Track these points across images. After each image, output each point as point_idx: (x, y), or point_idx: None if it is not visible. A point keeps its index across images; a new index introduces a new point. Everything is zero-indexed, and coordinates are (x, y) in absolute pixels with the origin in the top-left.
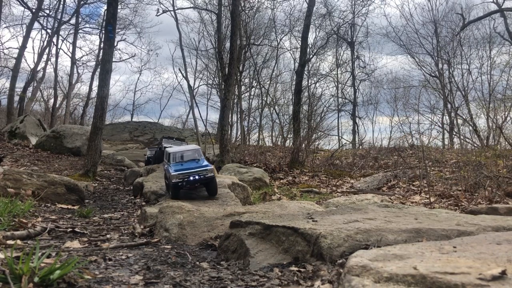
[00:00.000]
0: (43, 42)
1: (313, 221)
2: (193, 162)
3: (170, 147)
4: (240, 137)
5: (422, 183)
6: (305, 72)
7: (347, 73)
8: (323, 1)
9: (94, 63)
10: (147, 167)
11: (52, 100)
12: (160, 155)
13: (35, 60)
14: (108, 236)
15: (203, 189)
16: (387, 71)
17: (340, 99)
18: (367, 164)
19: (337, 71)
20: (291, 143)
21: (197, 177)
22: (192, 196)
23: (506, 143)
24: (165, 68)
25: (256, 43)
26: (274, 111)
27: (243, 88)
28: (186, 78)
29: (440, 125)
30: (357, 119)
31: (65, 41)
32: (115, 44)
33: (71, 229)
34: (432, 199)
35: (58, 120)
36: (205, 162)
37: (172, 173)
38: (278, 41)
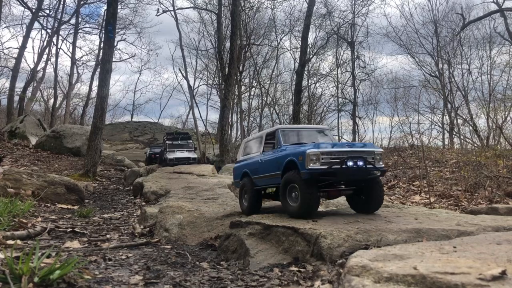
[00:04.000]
0: (43, 42)
1: (313, 221)
2: None
3: (172, 146)
4: (240, 137)
5: (422, 183)
6: (305, 72)
7: (347, 73)
8: (323, 1)
9: (94, 63)
10: (147, 167)
11: (52, 100)
12: (160, 156)
13: (35, 60)
14: (108, 236)
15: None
16: (387, 71)
17: (340, 99)
18: None
19: (337, 71)
20: None
21: (361, 163)
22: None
23: (506, 143)
24: (165, 68)
25: (256, 43)
26: (274, 111)
27: (243, 88)
28: (186, 78)
29: (440, 125)
30: (357, 119)
31: (65, 41)
32: (115, 44)
33: (71, 229)
34: (432, 199)
35: (58, 120)
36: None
37: (310, 150)
38: (278, 41)
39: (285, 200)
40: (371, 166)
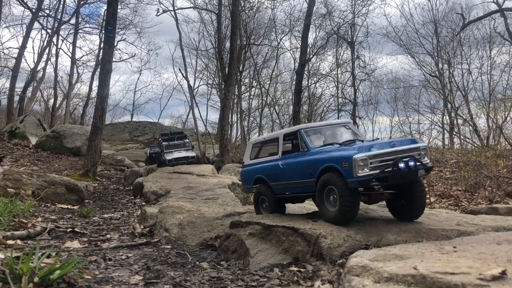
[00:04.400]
0: (43, 42)
1: (313, 221)
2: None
3: (169, 146)
4: (240, 137)
5: None
6: (305, 72)
7: (347, 73)
8: (323, 1)
9: (94, 63)
10: (147, 167)
11: (52, 100)
12: (159, 157)
13: (35, 60)
14: (108, 236)
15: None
16: (387, 71)
17: (340, 99)
18: None
19: (337, 71)
20: None
21: (412, 163)
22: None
23: (506, 143)
24: (165, 68)
25: (256, 43)
26: (274, 111)
27: (243, 88)
28: (186, 78)
29: (440, 125)
30: (357, 119)
31: (65, 41)
32: (115, 44)
33: (71, 229)
34: (432, 199)
35: (58, 120)
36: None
37: (357, 155)
38: (278, 41)
39: (321, 203)
40: (421, 164)
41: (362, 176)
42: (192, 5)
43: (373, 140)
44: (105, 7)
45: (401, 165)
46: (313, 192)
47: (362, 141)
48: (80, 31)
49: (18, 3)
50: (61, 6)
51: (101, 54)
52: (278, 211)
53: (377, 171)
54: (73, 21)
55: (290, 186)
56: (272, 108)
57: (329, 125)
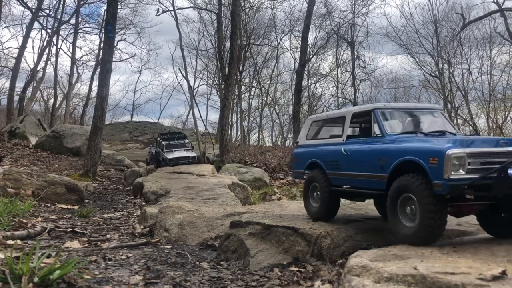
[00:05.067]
0: (43, 42)
1: (313, 221)
2: (444, 138)
3: (169, 146)
4: (240, 137)
5: None
6: (305, 72)
7: (347, 73)
8: (323, 1)
9: (94, 63)
10: (147, 167)
11: (52, 100)
12: (157, 156)
13: (35, 60)
14: (108, 236)
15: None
16: (387, 71)
17: (340, 99)
18: None
19: (337, 71)
20: (291, 143)
21: None
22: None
23: None
24: (165, 68)
25: (256, 43)
26: (274, 111)
27: (243, 88)
28: (186, 78)
29: None
30: None
31: (65, 41)
32: (115, 44)
33: (71, 229)
34: None
35: (58, 120)
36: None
37: (452, 150)
38: (278, 41)
39: (394, 215)
40: None
41: (455, 180)
42: (192, 5)
43: (470, 135)
44: (105, 7)
45: (511, 171)
46: (380, 191)
47: (455, 134)
48: (80, 31)
49: (18, 3)
50: (61, 6)
51: (101, 54)
52: (330, 207)
53: (476, 176)
54: (73, 21)
55: (351, 178)
56: (272, 108)
57: (414, 109)
